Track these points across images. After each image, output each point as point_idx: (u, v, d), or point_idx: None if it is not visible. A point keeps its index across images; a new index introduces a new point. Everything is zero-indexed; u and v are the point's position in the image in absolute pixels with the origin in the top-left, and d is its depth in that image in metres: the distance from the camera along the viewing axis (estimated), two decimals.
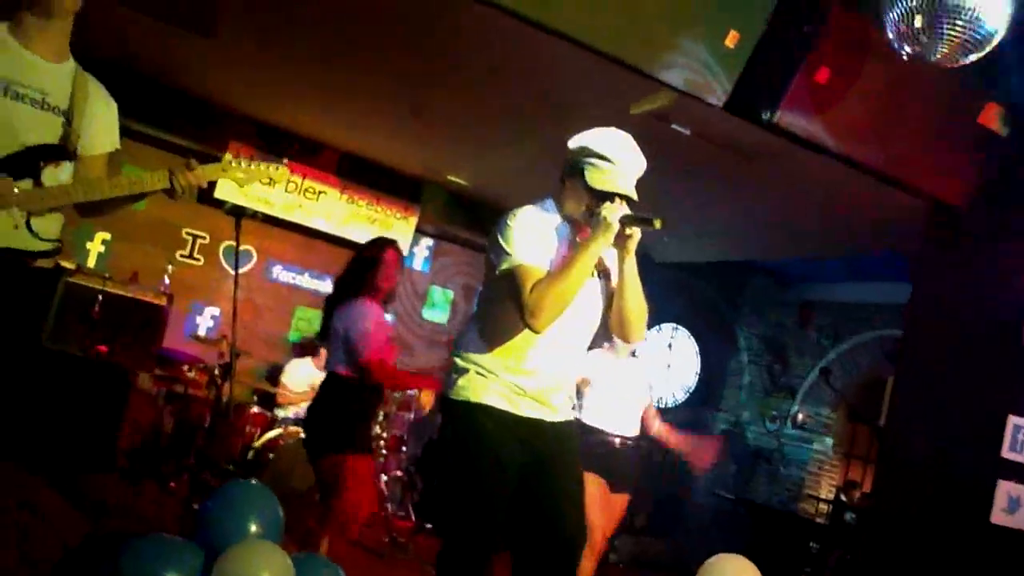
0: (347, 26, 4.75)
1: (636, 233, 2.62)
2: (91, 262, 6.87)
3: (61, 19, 2.49)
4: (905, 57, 3.14)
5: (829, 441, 7.93)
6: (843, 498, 7.25)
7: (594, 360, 4.47)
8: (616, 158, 2.65)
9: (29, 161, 2.47)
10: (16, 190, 2.43)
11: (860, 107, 3.48)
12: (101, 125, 2.65)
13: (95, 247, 7.00)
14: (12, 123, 2.43)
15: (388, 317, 4.22)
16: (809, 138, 3.47)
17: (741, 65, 3.25)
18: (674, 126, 4.35)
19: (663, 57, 3.17)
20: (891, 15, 3.08)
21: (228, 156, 2.85)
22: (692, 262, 8.16)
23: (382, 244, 4.11)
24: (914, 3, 2.98)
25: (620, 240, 2.62)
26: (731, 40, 3.17)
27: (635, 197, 2.65)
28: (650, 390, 4.73)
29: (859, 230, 5.92)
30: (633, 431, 4.55)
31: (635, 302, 2.73)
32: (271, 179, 2.81)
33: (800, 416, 8.06)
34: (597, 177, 2.64)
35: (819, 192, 5.14)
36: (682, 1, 3.09)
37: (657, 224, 2.53)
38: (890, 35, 3.12)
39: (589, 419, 4.42)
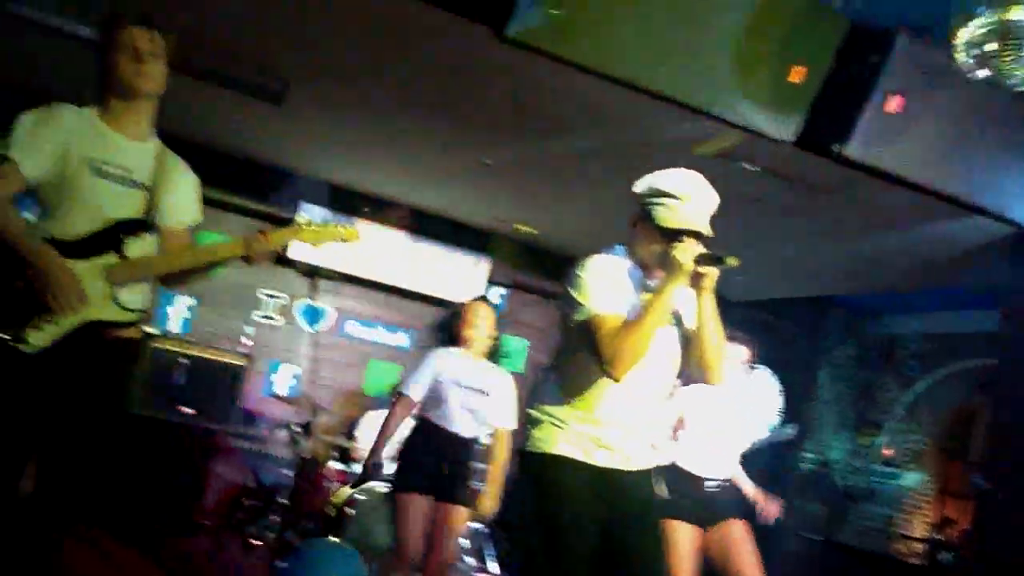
0: (412, 84, 4.84)
1: (712, 272, 2.58)
2: (174, 327, 7.06)
3: (145, 101, 2.62)
4: (979, 81, 3.06)
5: (921, 477, 7.63)
6: (939, 537, 6.94)
7: (690, 398, 4.38)
8: (684, 195, 2.62)
9: (113, 235, 2.58)
10: (101, 264, 2.52)
11: (935, 135, 3.40)
12: (182, 198, 2.77)
13: (178, 312, 7.19)
14: (99, 200, 2.55)
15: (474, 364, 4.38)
16: (883, 169, 3.40)
17: (809, 100, 3.21)
18: (742, 164, 4.30)
19: (728, 98, 3.15)
20: (962, 40, 3.01)
21: (300, 218, 2.91)
22: (768, 299, 8.02)
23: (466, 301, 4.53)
24: (985, 28, 2.90)
25: (695, 280, 2.58)
26: (797, 76, 3.14)
27: (709, 233, 2.62)
28: (749, 430, 4.58)
29: (940, 261, 5.74)
30: (731, 473, 4.41)
31: (715, 343, 2.68)
32: (343, 238, 2.86)
33: (889, 452, 7.79)
34: (666, 216, 2.61)
35: (897, 223, 5.01)
36: (745, 41, 3.07)
37: (731, 262, 2.49)
38: (962, 60, 3.05)
39: (684, 462, 4.29)
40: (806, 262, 6.86)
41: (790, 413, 8.14)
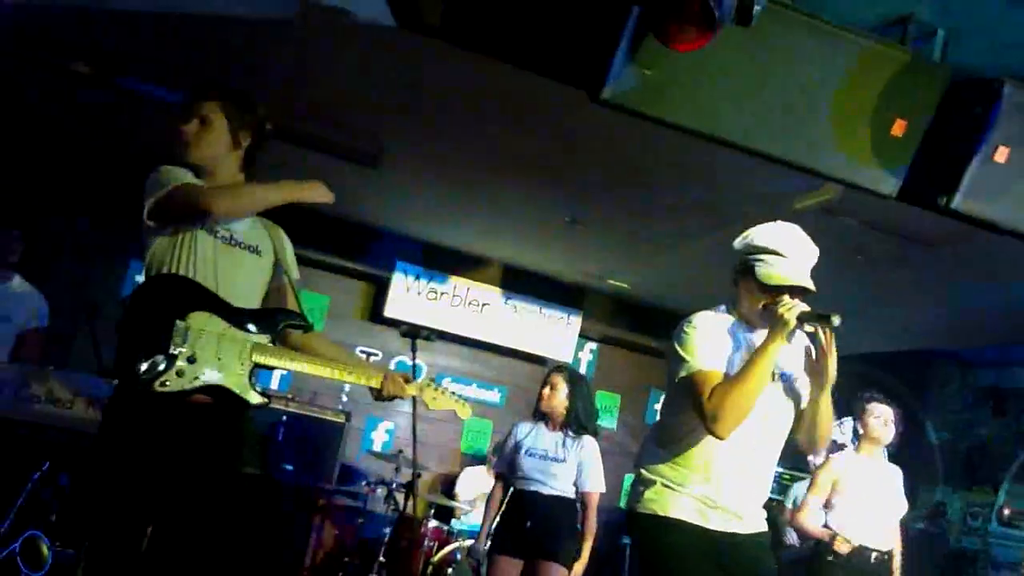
0: (505, 143, 4.93)
1: (821, 331, 2.55)
2: (274, 384, 7.24)
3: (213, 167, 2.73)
4: None
5: None
6: None
7: (845, 463, 4.27)
8: (785, 250, 2.60)
9: (271, 317, 2.72)
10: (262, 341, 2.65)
11: None
12: (293, 262, 2.88)
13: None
14: (235, 271, 2.69)
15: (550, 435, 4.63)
16: (991, 221, 3.28)
17: (911, 153, 3.13)
18: (843, 219, 4.22)
19: (826, 153, 3.10)
20: None
21: (425, 383, 3.04)
22: (872, 352, 7.78)
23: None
24: None
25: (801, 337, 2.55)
26: (898, 129, 3.07)
27: (811, 287, 2.58)
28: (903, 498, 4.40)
29: None
30: (888, 544, 4.26)
31: (830, 408, 2.64)
32: (456, 411, 3.03)
33: (1006, 511, 7.40)
34: (767, 273, 2.59)
35: (1004, 275, 4.83)
36: (843, 96, 3.03)
37: (835, 320, 2.45)
38: None
39: (837, 530, 4.19)
40: (912, 316, 6.66)
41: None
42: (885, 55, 3.05)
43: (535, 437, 4.63)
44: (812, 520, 4.27)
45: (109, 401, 2.59)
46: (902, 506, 4.34)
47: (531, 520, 4.43)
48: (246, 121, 2.73)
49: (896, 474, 4.35)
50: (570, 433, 4.58)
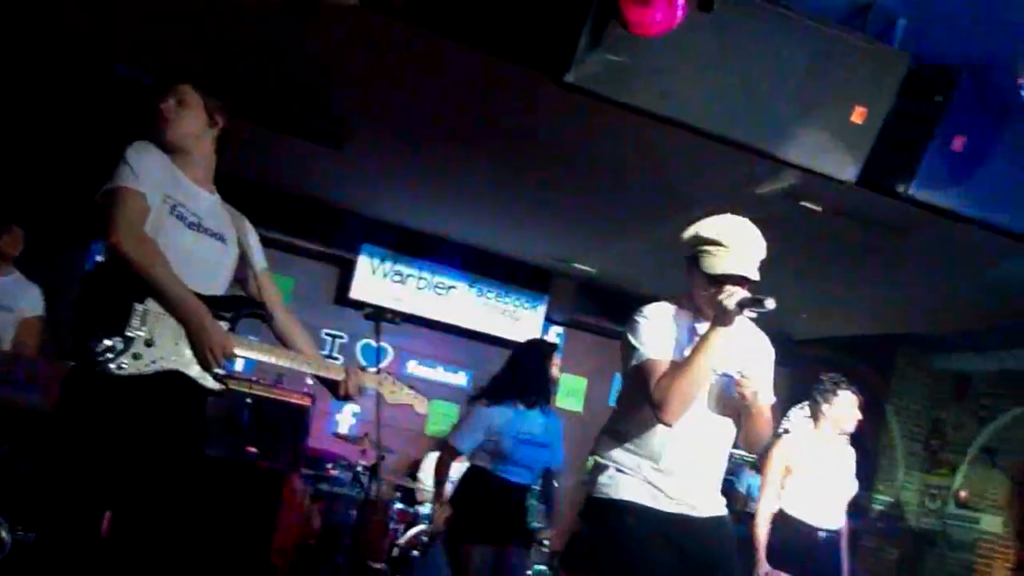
0: (470, 131, 4.92)
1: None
2: (238, 366, 7.19)
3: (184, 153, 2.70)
4: None
5: (999, 519, 7.36)
6: None
7: (797, 445, 4.33)
8: (728, 241, 2.63)
9: (231, 306, 2.68)
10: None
11: (1002, 172, 3.33)
12: (259, 250, 2.87)
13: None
14: (201, 257, 2.65)
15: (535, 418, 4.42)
16: (950, 208, 3.34)
17: (871, 140, 3.17)
18: (804, 204, 4.27)
19: (787, 139, 3.13)
20: None
21: (385, 376, 3.02)
22: (835, 336, 7.88)
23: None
24: None
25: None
26: (858, 116, 3.11)
27: (753, 277, 2.61)
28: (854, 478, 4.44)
29: (1016, 299, 5.59)
30: (838, 523, 4.32)
31: (768, 421, 2.71)
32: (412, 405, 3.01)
33: (963, 494, 7.55)
34: (711, 263, 2.63)
35: (968, 262, 4.91)
36: (803, 82, 3.06)
37: (769, 304, 2.47)
38: None
39: (790, 509, 4.23)
40: (875, 301, 6.75)
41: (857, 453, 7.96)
42: (846, 42, 3.08)
43: (521, 422, 4.34)
44: (764, 529, 4.26)
45: (64, 381, 2.55)
46: (853, 487, 4.40)
47: (510, 510, 4.34)
48: (220, 103, 2.73)
49: (851, 456, 4.42)
50: (547, 410, 4.43)
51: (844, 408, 4.29)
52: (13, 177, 6.26)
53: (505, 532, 4.34)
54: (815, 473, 4.25)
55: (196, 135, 2.69)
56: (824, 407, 4.30)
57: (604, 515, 2.63)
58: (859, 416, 4.33)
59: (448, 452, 4.49)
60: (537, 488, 4.81)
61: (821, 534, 4.22)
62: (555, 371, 4.48)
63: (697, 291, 2.68)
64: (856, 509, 4.66)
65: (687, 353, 2.58)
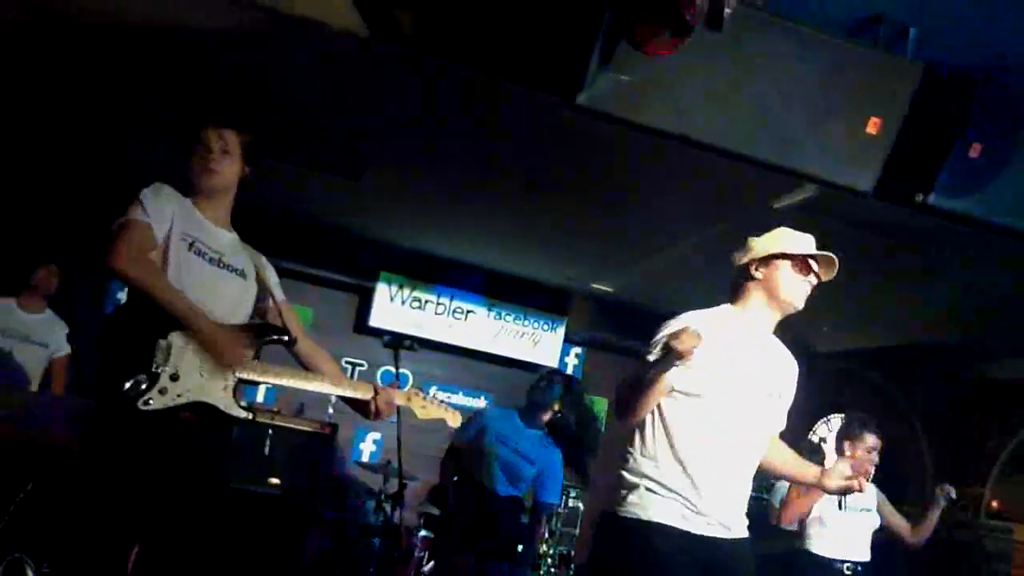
0: (486, 152, 4.93)
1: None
2: (260, 397, 7.20)
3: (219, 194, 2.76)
4: None
5: None
6: None
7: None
8: (777, 235, 2.78)
9: (254, 334, 2.70)
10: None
11: (1021, 177, 3.30)
12: (276, 285, 2.89)
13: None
14: (223, 292, 2.69)
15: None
16: (970, 215, 3.31)
17: (886, 151, 3.16)
18: (822, 217, 4.24)
19: (801, 152, 3.12)
20: None
21: (413, 392, 3.04)
22: (858, 348, 7.81)
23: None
24: None
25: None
26: (873, 127, 3.10)
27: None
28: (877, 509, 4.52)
29: None
30: (864, 555, 4.36)
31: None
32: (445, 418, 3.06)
33: (995, 504, 7.43)
34: (762, 247, 2.75)
35: (992, 270, 4.87)
36: (816, 95, 3.05)
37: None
38: None
39: (816, 548, 4.30)
40: (898, 311, 6.68)
41: (883, 464, 7.88)
42: (858, 54, 3.08)
43: (511, 429, 4.58)
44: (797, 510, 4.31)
45: (89, 420, 2.56)
46: (875, 521, 4.47)
47: (493, 522, 4.43)
48: (252, 151, 2.79)
49: (872, 493, 4.46)
50: (547, 439, 4.55)
51: (869, 453, 4.34)
52: (44, 215, 6.34)
53: (487, 545, 4.38)
54: (834, 513, 4.26)
55: (232, 186, 2.77)
56: (846, 444, 4.35)
57: (631, 534, 2.59)
58: (876, 461, 4.36)
59: (450, 454, 4.74)
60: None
61: (847, 569, 4.21)
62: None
63: (759, 296, 2.71)
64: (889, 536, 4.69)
65: (725, 357, 2.60)
